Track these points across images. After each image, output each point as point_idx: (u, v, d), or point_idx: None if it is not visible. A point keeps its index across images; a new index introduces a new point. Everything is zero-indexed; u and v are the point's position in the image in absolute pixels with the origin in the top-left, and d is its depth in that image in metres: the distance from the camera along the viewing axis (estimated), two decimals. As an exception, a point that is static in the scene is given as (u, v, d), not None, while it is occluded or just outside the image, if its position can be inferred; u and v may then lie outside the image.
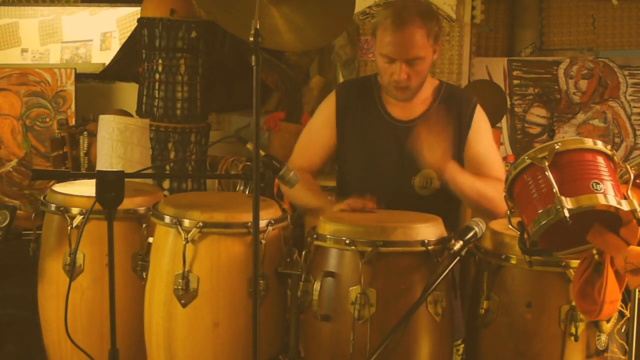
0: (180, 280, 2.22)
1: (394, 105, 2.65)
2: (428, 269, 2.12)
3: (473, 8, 4.54)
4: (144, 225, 2.45)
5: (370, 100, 2.67)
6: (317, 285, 2.14)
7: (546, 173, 1.74)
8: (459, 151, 2.59)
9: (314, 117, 2.80)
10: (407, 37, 2.48)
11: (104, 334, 2.34)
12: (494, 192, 2.44)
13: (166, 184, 4.29)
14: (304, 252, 2.22)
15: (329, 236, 2.17)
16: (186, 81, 4.34)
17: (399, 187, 2.56)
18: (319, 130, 2.74)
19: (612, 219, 1.73)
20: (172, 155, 4.33)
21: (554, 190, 1.72)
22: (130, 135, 3.32)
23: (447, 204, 2.55)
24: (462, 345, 2.41)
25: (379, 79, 2.66)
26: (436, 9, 4.39)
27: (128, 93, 4.91)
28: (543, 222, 1.73)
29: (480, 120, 2.63)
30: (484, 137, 2.64)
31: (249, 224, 2.20)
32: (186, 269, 2.22)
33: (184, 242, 2.21)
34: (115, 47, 5.08)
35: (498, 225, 2.23)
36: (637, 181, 1.85)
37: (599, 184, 1.72)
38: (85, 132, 4.08)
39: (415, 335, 2.11)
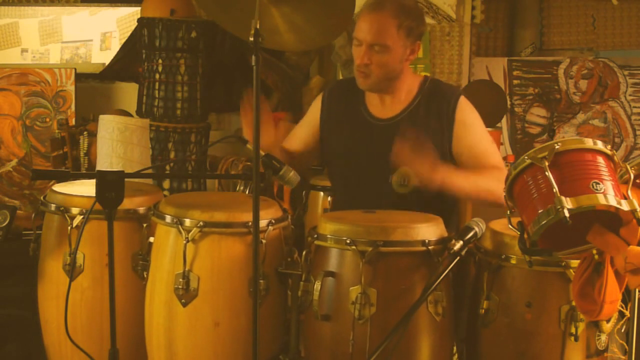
0: (180, 280, 2.22)
1: (375, 104, 2.65)
2: (428, 268, 2.12)
3: (473, 8, 4.54)
4: (144, 225, 2.45)
5: (353, 99, 2.68)
6: (317, 285, 2.14)
7: (546, 173, 1.74)
8: (443, 147, 2.56)
9: (303, 118, 2.85)
10: (375, 22, 2.51)
11: (104, 334, 2.34)
12: (494, 182, 2.40)
13: (166, 184, 4.29)
14: (304, 252, 2.22)
15: (329, 236, 2.17)
16: (186, 81, 4.34)
17: (378, 185, 2.56)
18: (301, 125, 2.81)
19: (612, 219, 1.73)
20: (172, 155, 4.33)
21: (554, 190, 1.72)
22: (130, 135, 3.33)
23: (430, 202, 2.49)
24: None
25: None
26: (436, 9, 4.39)
27: (128, 93, 4.91)
28: (543, 222, 1.73)
29: (465, 112, 2.59)
30: (473, 128, 2.59)
31: (250, 223, 2.20)
32: (187, 269, 2.22)
33: (185, 242, 2.21)
34: (115, 47, 5.09)
35: (498, 225, 2.23)
36: (637, 181, 1.85)
37: (599, 184, 1.72)
38: (85, 132, 4.08)
39: (415, 335, 2.11)
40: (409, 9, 2.55)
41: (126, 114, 4.21)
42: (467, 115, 2.60)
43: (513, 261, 2.11)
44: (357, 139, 2.64)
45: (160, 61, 4.30)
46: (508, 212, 1.88)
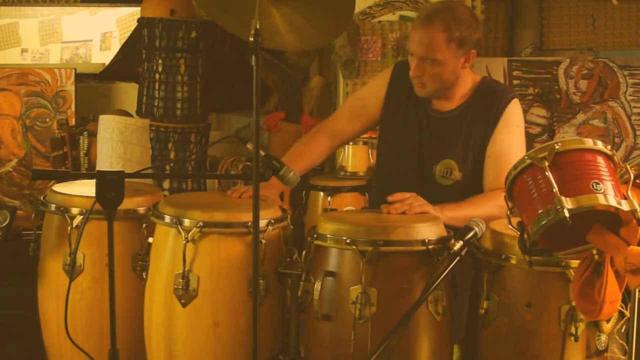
0: (180, 280, 2.22)
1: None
2: (428, 268, 2.12)
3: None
4: (144, 225, 2.45)
5: None
6: (317, 285, 2.14)
7: (546, 173, 1.74)
8: (483, 147, 2.59)
9: (364, 87, 2.92)
10: (426, 36, 2.54)
11: (104, 334, 2.34)
12: (491, 208, 2.42)
13: (166, 184, 4.28)
14: (304, 252, 2.22)
15: (329, 236, 2.17)
16: (186, 81, 4.34)
17: (421, 174, 2.60)
18: (364, 99, 2.84)
19: (612, 219, 1.73)
20: (172, 155, 4.32)
21: (554, 190, 1.71)
22: (130, 135, 3.32)
23: (468, 196, 2.54)
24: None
25: None
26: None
27: (128, 93, 4.91)
28: (543, 222, 1.73)
29: (512, 115, 2.60)
30: (511, 135, 2.59)
31: (249, 223, 2.20)
32: (186, 269, 2.22)
33: (184, 242, 2.21)
34: (115, 47, 5.08)
35: (498, 225, 2.23)
36: (637, 181, 1.85)
37: (599, 184, 1.72)
38: (85, 132, 4.08)
39: (415, 334, 2.11)
40: (459, 20, 2.54)
41: (126, 114, 4.20)
42: (512, 119, 2.61)
43: (513, 261, 2.11)
44: (413, 125, 2.68)
45: (160, 61, 4.30)
46: (508, 212, 1.88)
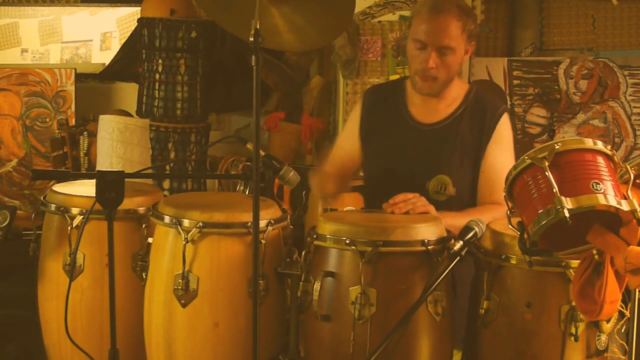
0: (180, 280, 2.22)
1: (418, 108, 2.65)
2: (428, 268, 2.12)
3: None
4: (143, 226, 2.45)
5: (394, 102, 2.68)
6: (317, 285, 2.14)
7: (546, 173, 1.74)
8: (477, 160, 2.57)
9: (345, 125, 2.86)
10: (442, 24, 2.49)
11: (104, 334, 2.35)
12: (488, 220, 2.34)
13: (166, 184, 4.29)
14: (303, 252, 2.22)
15: (328, 236, 2.17)
16: (186, 81, 4.34)
17: (415, 191, 2.55)
18: (344, 141, 2.82)
19: (612, 219, 1.73)
20: (172, 155, 4.33)
21: (554, 190, 1.71)
22: (130, 135, 3.33)
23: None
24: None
25: (407, 75, 2.69)
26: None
27: (128, 93, 4.92)
28: (543, 222, 1.72)
29: (503, 130, 2.59)
30: (503, 151, 2.58)
31: (249, 224, 2.20)
32: (186, 269, 2.22)
33: (184, 242, 2.21)
34: (115, 47, 5.09)
35: (498, 225, 2.23)
36: (637, 181, 1.84)
37: (599, 184, 1.72)
38: (85, 132, 4.09)
39: (415, 335, 2.11)
40: (467, 11, 2.55)
41: (126, 114, 4.21)
42: (504, 134, 2.59)
43: (513, 261, 2.11)
44: (399, 143, 2.64)
45: (160, 61, 4.30)
46: (508, 212, 1.88)
